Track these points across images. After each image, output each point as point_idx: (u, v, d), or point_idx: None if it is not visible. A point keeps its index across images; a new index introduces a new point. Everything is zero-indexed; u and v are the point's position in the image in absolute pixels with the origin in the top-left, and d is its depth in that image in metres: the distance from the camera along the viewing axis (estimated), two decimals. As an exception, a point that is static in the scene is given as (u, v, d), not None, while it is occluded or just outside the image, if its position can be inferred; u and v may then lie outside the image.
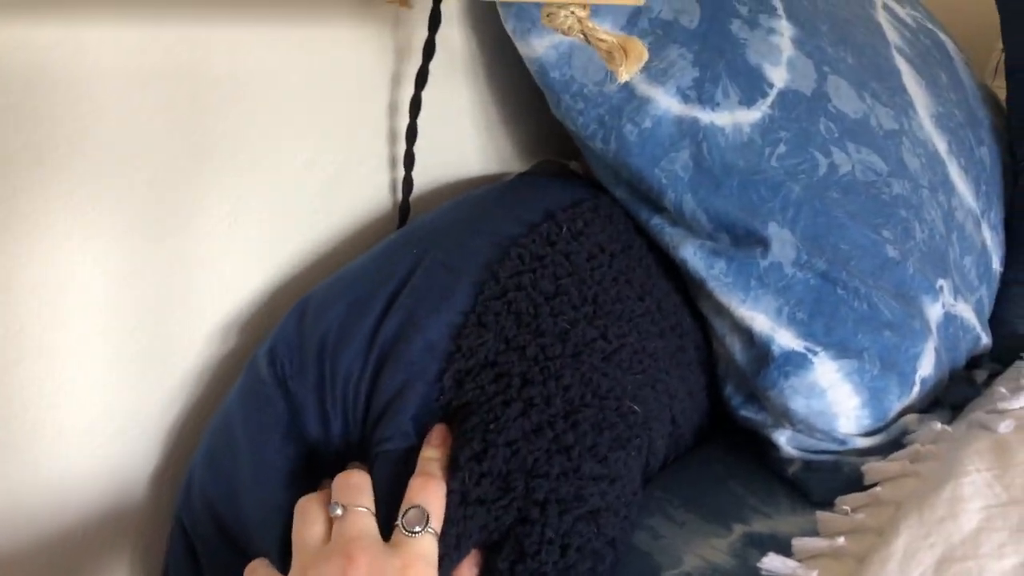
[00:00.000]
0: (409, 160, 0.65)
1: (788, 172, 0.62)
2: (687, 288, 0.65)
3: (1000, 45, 0.96)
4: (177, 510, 0.55)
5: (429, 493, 0.45)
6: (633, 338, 0.56)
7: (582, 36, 0.48)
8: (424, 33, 0.61)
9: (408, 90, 0.64)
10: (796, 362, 0.60)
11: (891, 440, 0.62)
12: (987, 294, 0.79)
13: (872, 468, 0.58)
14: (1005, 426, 0.59)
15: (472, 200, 0.62)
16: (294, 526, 0.45)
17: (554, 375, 0.50)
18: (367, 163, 0.65)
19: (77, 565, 0.55)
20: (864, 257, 0.62)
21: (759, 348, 0.61)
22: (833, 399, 0.60)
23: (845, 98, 0.67)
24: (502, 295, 0.52)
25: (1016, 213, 0.86)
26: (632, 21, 0.62)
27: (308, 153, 0.60)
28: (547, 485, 0.46)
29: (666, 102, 0.61)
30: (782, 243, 0.60)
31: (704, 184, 0.61)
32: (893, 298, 0.63)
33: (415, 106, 0.63)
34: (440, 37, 0.62)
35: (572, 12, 0.48)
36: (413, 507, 0.44)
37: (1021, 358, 0.75)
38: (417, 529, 0.43)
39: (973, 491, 0.53)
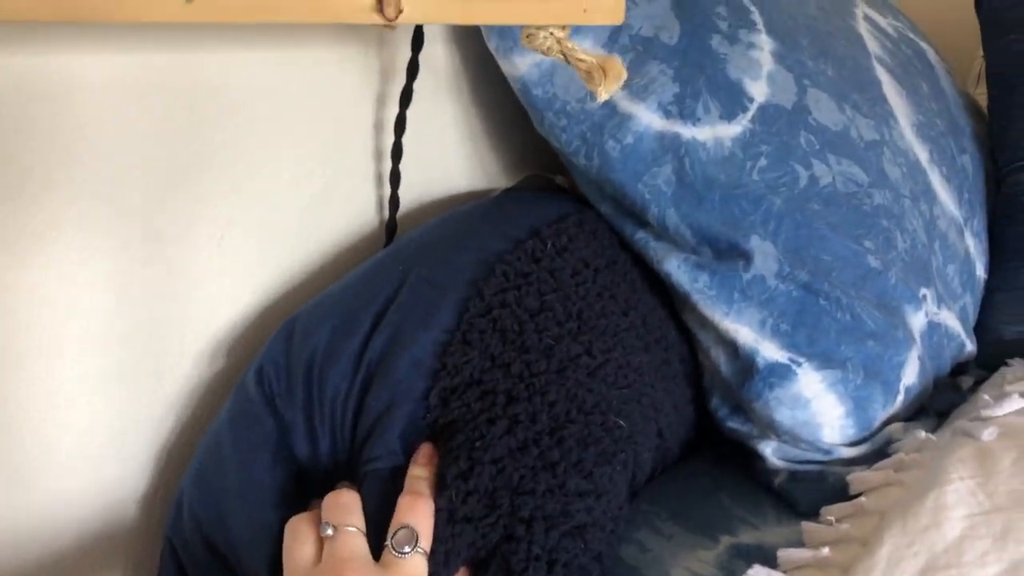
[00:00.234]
0: (395, 178, 0.65)
1: (769, 185, 0.62)
2: (672, 302, 0.66)
3: (981, 53, 0.97)
4: (167, 530, 0.55)
5: (417, 512, 0.45)
6: (618, 353, 0.56)
7: (561, 56, 0.49)
8: (408, 53, 0.62)
9: (393, 109, 0.64)
10: (780, 373, 0.60)
11: (876, 449, 0.63)
12: (971, 301, 0.80)
13: (857, 478, 0.59)
14: (988, 434, 0.60)
15: (458, 216, 0.63)
16: (285, 546, 0.45)
17: (539, 391, 0.50)
18: (353, 181, 0.66)
19: (68, 586, 0.55)
20: (846, 268, 0.63)
21: (744, 360, 0.61)
22: (817, 409, 0.61)
23: (825, 110, 0.67)
24: (487, 312, 0.53)
25: (999, 220, 0.86)
26: (613, 38, 0.62)
27: (294, 172, 0.61)
28: (533, 502, 0.46)
29: (647, 118, 0.62)
30: (764, 256, 0.61)
31: (687, 198, 0.61)
32: (876, 308, 0.64)
33: (400, 125, 0.64)
34: (424, 56, 0.62)
35: (551, 33, 0.49)
36: (402, 527, 0.44)
37: (1007, 364, 0.76)
38: (407, 550, 0.43)
39: (956, 499, 0.53)
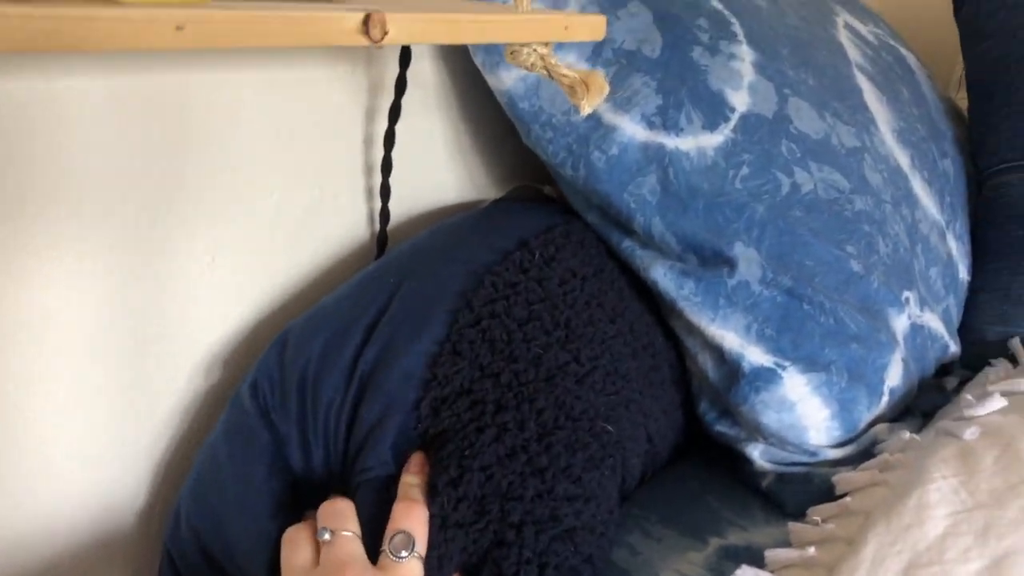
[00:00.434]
0: (385, 191, 0.66)
1: (752, 193, 0.64)
2: (659, 309, 0.67)
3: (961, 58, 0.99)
4: (166, 540, 0.56)
5: (413, 518, 0.46)
6: (606, 360, 0.57)
7: (545, 72, 0.50)
8: (396, 69, 0.63)
9: (382, 123, 0.65)
10: (766, 377, 0.61)
11: (861, 450, 0.64)
12: (955, 303, 0.81)
13: (842, 478, 0.60)
14: (971, 433, 0.61)
15: (447, 228, 0.64)
16: (283, 554, 0.46)
17: (527, 399, 0.51)
18: (345, 195, 0.67)
19: (68, 599, 0.56)
20: (829, 273, 0.64)
21: (730, 365, 0.63)
22: (803, 412, 0.62)
23: (806, 119, 0.69)
24: (476, 323, 0.54)
25: (980, 222, 0.88)
26: (596, 52, 0.64)
27: (287, 187, 0.62)
28: (522, 507, 0.48)
29: (631, 129, 0.63)
30: (748, 262, 0.62)
31: (671, 207, 0.63)
32: (859, 311, 0.65)
33: (389, 139, 0.65)
34: (412, 72, 0.64)
35: (535, 49, 0.50)
36: (399, 532, 0.45)
37: (990, 364, 0.77)
38: (404, 554, 0.44)
39: (939, 498, 0.55)
